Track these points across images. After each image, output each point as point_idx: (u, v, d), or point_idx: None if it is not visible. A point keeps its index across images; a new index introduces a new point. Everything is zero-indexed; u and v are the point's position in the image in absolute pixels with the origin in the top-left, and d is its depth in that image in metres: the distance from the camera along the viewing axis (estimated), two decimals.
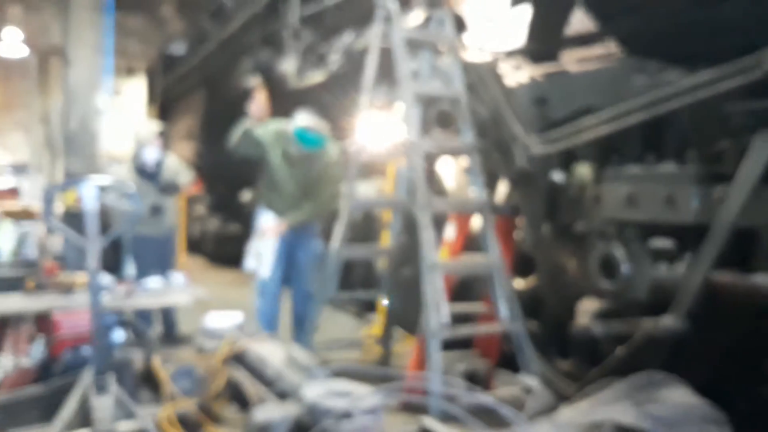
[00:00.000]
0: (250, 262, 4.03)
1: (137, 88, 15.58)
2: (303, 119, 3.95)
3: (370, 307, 4.83)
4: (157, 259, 4.50)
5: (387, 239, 4.11)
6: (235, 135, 3.97)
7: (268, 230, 3.99)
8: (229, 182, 9.20)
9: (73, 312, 3.23)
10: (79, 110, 6.43)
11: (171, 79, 11.70)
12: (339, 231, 3.72)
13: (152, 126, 4.82)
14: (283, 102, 6.83)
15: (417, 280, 3.17)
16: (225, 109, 9.08)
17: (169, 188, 4.70)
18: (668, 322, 2.48)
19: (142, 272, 3.98)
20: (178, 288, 3.99)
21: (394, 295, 3.99)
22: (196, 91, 10.19)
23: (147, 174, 4.61)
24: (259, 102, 3.97)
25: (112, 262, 4.65)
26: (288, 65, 6.25)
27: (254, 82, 4.36)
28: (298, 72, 6.06)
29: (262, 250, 3.97)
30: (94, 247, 2.79)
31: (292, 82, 6.12)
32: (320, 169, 4.02)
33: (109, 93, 8.91)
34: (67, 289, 3.51)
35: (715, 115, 2.56)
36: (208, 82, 9.48)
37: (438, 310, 3.02)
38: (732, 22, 2.90)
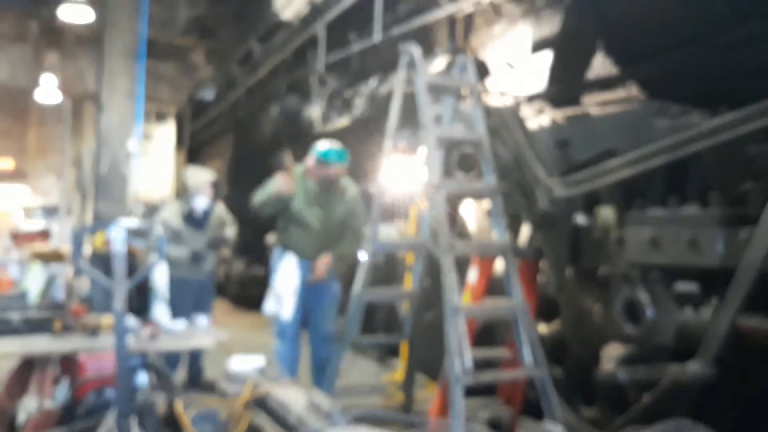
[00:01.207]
0: (270, 305, 4.03)
1: (167, 132, 15.99)
2: (322, 144, 4.05)
3: (392, 351, 4.80)
4: (194, 302, 4.53)
5: (410, 282, 4.10)
6: (261, 200, 4.01)
7: (317, 267, 3.96)
8: (254, 225, 9.29)
9: (98, 354, 3.26)
10: (110, 154, 6.62)
11: (200, 124, 12.00)
12: (361, 273, 3.73)
13: (205, 175, 4.81)
14: (309, 146, 6.94)
15: (440, 324, 3.15)
16: (252, 153, 9.30)
17: (216, 242, 4.74)
18: (695, 368, 2.43)
19: (179, 315, 4.01)
20: (201, 331, 4.01)
21: (416, 340, 3.95)
22: (223, 136, 10.41)
23: (194, 221, 4.63)
24: (289, 178, 3.99)
25: (138, 305, 4.71)
26: (314, 110, 6.37)
27: (286, 158, 4.40)
28: (324, 117, 6.16)
29: (283, 293, 3.97)
30: (121, 289, 2.83)
31: (318, 127, 6.23)
32: (343, 208, 4.06)
33: (139, 137, 9.16)
34: (93, 331, 3.55)
35: (738, 157, 2.54)
36: (236, 127, 9.69)
37: (461, 355, 2.98)
38: (754, 65, 2.92)
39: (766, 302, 2.38)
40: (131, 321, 3.53)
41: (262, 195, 4.02)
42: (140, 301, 4.46)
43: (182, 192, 4.75)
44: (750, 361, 2.49)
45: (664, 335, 2.69)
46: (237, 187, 9.74)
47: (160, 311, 4.01)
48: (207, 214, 4.68)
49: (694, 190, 2.77)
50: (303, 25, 7.45)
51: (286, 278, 3.99)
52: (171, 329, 3.82)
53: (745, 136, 2.44)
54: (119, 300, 2.84)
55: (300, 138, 6.92)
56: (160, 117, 19.21)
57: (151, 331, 3.63)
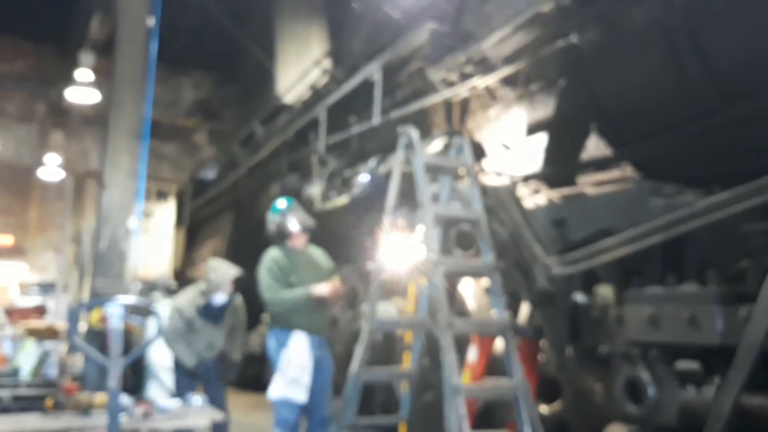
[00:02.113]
0: (279, 389, 3.76)
1: (167, 210, 16.13)
2: (279, 202, 4.17)
3: None
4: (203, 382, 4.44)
5: (408, 361, 4.04)
6: (291, 301, 3.84)
7: (334, 287, 3.80)
8: (252, 304, 9.26)
9: None
10: (110, 231, 6.66)
11: (200, 202, 12.14)
12: (359, 352, 3.68)
13: (229, 270, 4.63)
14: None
15: (439, 404, 3.09)
16: (251, 231, 9.36)
17: (225, 364, 4.64)
18: None
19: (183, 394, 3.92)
20: (195, 410, 3.92)
21: (415, 421, 3.86)
22: (224, 214, 10.52)
23: (209, 314, 4.53)
24: (338, 286, 3.91)
25: (132, 382, 4.62)
26: (314, 189, 6.49)
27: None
28: (324, 195, 6.27)
29: (297, 374, 3.75)
30: (116, 366, 2.80)
31: (318, 205, 6.32)
32: (321, 256, 4.09)
33: (139, 215, 9.25)
34: (86, 409, 3.48)
35: (734, 235, 2.58)
36: (237, 205, 9.81)
37: None
38: (744, 146, 3.01)
39: None
40: (125, 399, 3.46)
41: (293, 297, 3.82)
42: (135, 379, 4.39)
43: (203, 285, 4.65)
44: None
45: (667, 415, 2.65)
46: (237, 262, 9.77)
47: (155, 389, 3.94)
48: (224, 308, 4.58)
49: (692, 268, 2.79)
50: (304, 108, 7.69)
51: (299, 358, 3.79)
52: (165, 408, 3.74)
53: (739, 215, 2.48)
54: (114, 378, 2.80)
55: None
56: (161, 195, 19.43)
57: (144, 409, 3.55)
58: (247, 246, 9.57)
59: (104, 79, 10.38)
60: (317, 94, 7.48)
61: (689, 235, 2.72)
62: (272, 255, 4.05)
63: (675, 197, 2.97)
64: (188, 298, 4.63)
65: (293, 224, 4.03)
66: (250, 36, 12.16)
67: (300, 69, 9.51)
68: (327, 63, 8.18)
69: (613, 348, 2.88)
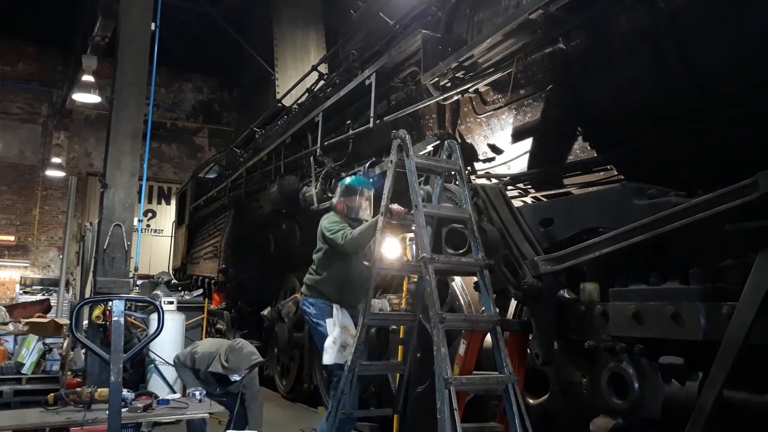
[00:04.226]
0: (331, 355, 4.05)
1: (169, 209, 16.17)
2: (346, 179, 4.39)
3: (385, 425, 4.75)
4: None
5: (402, 355, 4.14)
6: (366, 236, 4.11)
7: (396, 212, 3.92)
8: (251, 299, 9.40)
9: (91, 428, 3.27)
10: (112, 230, 6.75)
11: (201, 201, 12.26)
12: (354, 347, 3.77)
13: (250, 357, 4.75)
14: (306, 221, 7.14)
15: (431, 397, 3.18)
16: (250, 229, 9.49)
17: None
18: None
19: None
20: (196, 403, 4.01)
21: (408, 413, 3.95)
22: (224, 213, 10.64)
23: (221, 381, 4.69)
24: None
25: (134, 376, 4.72)
26: (311, 189, 6.59)
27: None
28: (320, 195, 6.37)
29: (348, 340, 4.00)
30: (118, 361, 2.88)
31: (314, 204, 6.42)
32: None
33: (141, 214, 9.34)
34: (87, 403, 3.57)
35: (716, 235, 2.64)
36: (236, 205, 9.92)
37: (452, 429, 3.00)
38: (724, 149, 3.10)
39: (750, 375, 2.44)
40: (125, 392, 3.55)
41: (367, 227, 4.08)
42: (136, 373, 4.49)
43: (226, 354, 4.75)
44: None
45: (650, 408, 2.71)
46: (234, 260, 9.92)
47: (156, 383, 4.04)
48: (237, 383, 4.74)
49: (675, 266, 2.84)
50: (302, 111, 7.79)
51: (345, 324, 4.09)
52: (166, 401, 3.84)
53: (722, 215, 2.54)
54: (115, 372, 2.89)
55: (297, 214, 7.11)
56: (163, 195, 19.49)
57: (145, 402, 3.65)
58: (246, 242, 9.72)
59: (106, 81, 10.49)
60: (315, 98, 7.58)
61: (672, 235, 2.79)
62: (332, 215, 4.43)
63: (658, 198, 3.03)
64: (207, 359, 4.71)
65: (355, 209, 4.33)
66: (250, 42, 12.28)
67: (298, 73, 9.64)
68: (324, 68, 8.29)
69: (599, 343, 2.96)
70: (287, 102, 9.21)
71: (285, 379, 7.77)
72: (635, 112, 3.49)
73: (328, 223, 4.34)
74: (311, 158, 6.73)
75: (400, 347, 4.27)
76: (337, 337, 4.08)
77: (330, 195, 5.96)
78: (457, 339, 3.85)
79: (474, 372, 3.52)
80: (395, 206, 3.92)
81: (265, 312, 8.27)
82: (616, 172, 3.68)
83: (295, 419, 6.30)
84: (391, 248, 4.59)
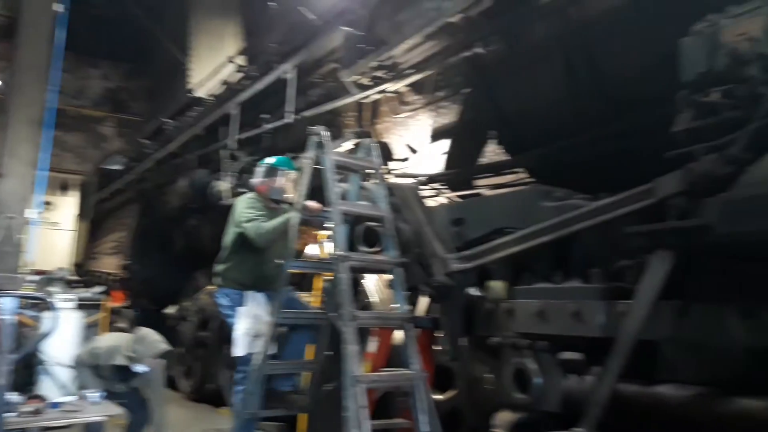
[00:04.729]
0: (242, 347, 3.92)
1: (69, 202, 15.32)
2: (269, 158, 4.27)
3: (292, 424, 4.69)
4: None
5: (311, 353, 4.10)
6: (277, 229, 3.97)
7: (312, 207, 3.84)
8: (154, 297, 9.05)
9: None
10: (5, 222, 6.29)
11: (105, 194, 11.69)
12: (263, 345, 3.70)
13: (156, 346, 4.53)
14: (217, 217, 6.95)
15: (339, 395, 3.16)
16: (158, 224, 9.13)
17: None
18: None
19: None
20: (91, 406, 3.81)
21: (316, 412, 3.92)
22: (129, 207, 10.20)
23: (122, 375, 4.43)
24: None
25: (25, 378, 4.41)
26: (223, 184, 6.43)
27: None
28: (233, 190, 6.23)
29: (260, 330, 3.85)
30: (5, 362, 2.70)
31: (227, 200, 6.27)
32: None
33: (39, 207, 8.78)
34: None
35: (615, 237, 2.77)
36: (143, 199, 9.54)
37: (359, 426, 3.00)
38: (625, 156, 3.27)
39: (642, 369, 2.57)
40: (13, 396, 3.31)
41: (278, 223, 3.94)
42: (27, 374, 4.19)
43: (131, 344, 4.52)
44: (628, 426, 2.65)
45: (551, 402, 2.82)
46: (139, 257, 9.52)
47: (48, 385, 3.80)
48: (140, 373, 4.49)
49: (577, 266, 2.97)
50: (217, 103, 7.59)
51: (257, 314, 3.96)
52: (58, 404, 3.62)
53: (621, 218, 2.67)
54: (2, 374, 2.70)
55: (208, 209, 6.91)
56: (64, 186, 18.45)
57: (35, 406, 3.42)
58: (153, 238, 9.34)
59: (6, 64, 9.80)
60: (230, 90, 7.41)
61: (576, 236, 2.91)
62: (249, 197, 4.21)
63: (564, 201, 3.16)
64: (112, 348, 4.44)
65: (277, 190, 4.15)
66: (163, 28, 11.85)
67: (213, 64, 9.39)
68: (241, 60, 8.12)
69: (504, 339, 3.04)
70: (201, 93, 8.95)
71: (189, 379, 7.53)
72: (546, 118, 3.63)
73: (244, 207, 4.13)
74: (225, 152, 6.56)
75: (310, 346, 4.22)
76: (248, 328, 3.97)
77: (243, 190, 5.83)
78: (367, 337, 3.85)
79: (384, 369, 3.53)
80: (311, 202, 3.87)
81: (170, 310, 7.99)
82: (526, 175, 3.82)
83: (198, 420, 6.12)
84: (305, 245, 4.54)
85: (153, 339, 4.54)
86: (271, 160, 4.28)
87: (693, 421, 2.43)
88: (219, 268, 4.22)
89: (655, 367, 2.62)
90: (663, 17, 2.93)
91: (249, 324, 3.97)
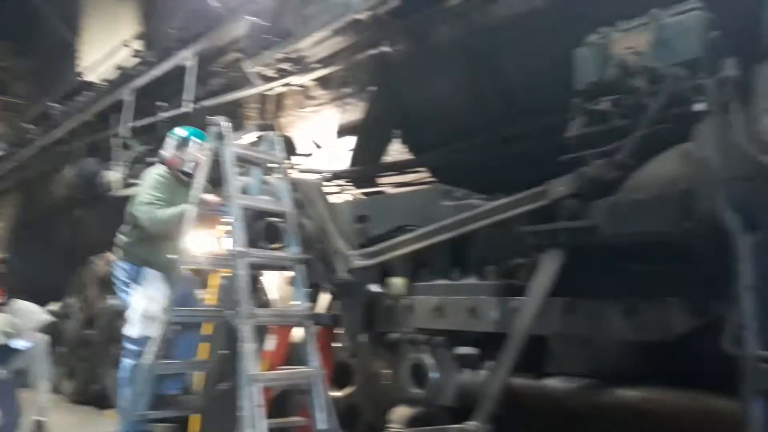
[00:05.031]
0: (135, 327, 3.74)
1: None
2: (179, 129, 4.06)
3: (183, 425, 4.52)
4: None
5: (205, 352, 3.97)
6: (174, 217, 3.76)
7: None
8: (34, 292, 8.43)
9: None
10: None
11: None
12: (154, 344, 3.54)
13: (38, 317, 4.27)
14: (106, 209, 6.58)
15: (234, 394, 3.08)
16: (40, 215, 8.52)
17: None
18: (472, 426, 2.61)
19: None
20: None
21: (209, 412, 3.80)
22: (8, 196, 9.47)
23: (4, 359, 4.09)
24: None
25: None
26: (114, 174, 6.10)
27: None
28: (125, 181, 5.92)
29: (156, 312, 3.63)
30: None
31: (118, 191, 5.96)
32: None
33: None
34: None
35: (509, 236, 2.87)
36: (24, 188, 8.89)
37: (254, 426, 2.93)
38: (524, 157, 3.40)
39: (532, 363, 2.68)
40: None
41: (173, 213, 3.74)
42: None
43: (6, 329, 4.12)
44: (519, 418, 2.75)
45: (446, 396, 2.88)
46: (19, 250, 8.84)
47: None
48: (17, 351, 4.16)
49: (474, 263, 3.05)
50: (110, 89, 7.20)
51: (153, 294, 3.79)
52: None
53: (516, 218, 2.77)
54: None
55: (97, 199, 6.55)
56: None
57: None
58: (33, 232, 8.71)
59: None
60: (125, 75, 7.04)
61: (473, 234, 2.99)
62: (159, 172, 3.97)
63: (463, 200, 3.24)
64: None
65: (189, 161, 3.91)
66: (50, 5, 11.08)
67: (107, 47, 8.89)
68: (138, 44, 7.74)
69: (402, 335, 3.08)
70: (92, 77, 8.45)
71: (72, 380, 7.09)
72: (448, 119, 3.71)
73: (149, 185, 3.96)
74: (116, 140, 6.23)
75: (202, 344, 4.09)
76: (143, 307, 3.79)
77: (136, 181, 5.55)
78: (265, 335, 3.78)
79: (281, 367, 3.48)
80: (209, 196, 3.74)
81: (52, 308, 7.47)
82: (428, 174, 3.89)
83: (83, 424, 5.78)
84: (203, 240, 4.38)
85: (32, 310, 4.23)
86: (182, 131, 4.09)
87: (577, 411, 2.57)
88: (121, 239, 4.04)
89: (544, 360, 2.74)
90: (560, 27, 3.07)
91: (145, 303, 3.80)
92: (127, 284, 3.93)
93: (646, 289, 2.31)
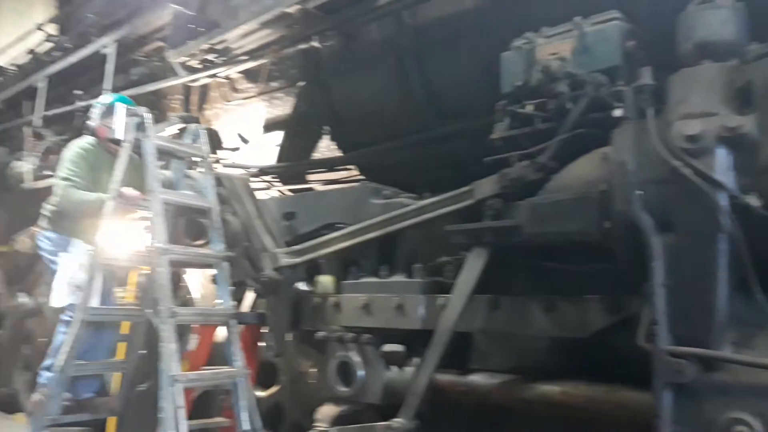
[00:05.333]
0: (62, 296, 3.58)
1: None
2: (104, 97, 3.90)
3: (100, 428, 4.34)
4: None
5: (123, 353, 3.82)
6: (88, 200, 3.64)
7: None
8: None
9: None
10: None
11: None
12: (68, 343, 3.38)
13: None
14: (17, 201, 6.21)
15: (154, 395, 2.98)
16: None
17: None
18: (398, 423, 2.63)
19: None
20: None
21: (127, 414, 3.66)
22: None
23: None
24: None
25: None
26: (24, 165, 5.77)
27: None
28: (36, 172, 5.61)
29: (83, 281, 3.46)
30: None
31: (28, 182, 5.63)
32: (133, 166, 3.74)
33: None
34: None
35: (436, 235, 2.90)
36: None
37: (176, 428, 2.85)
38: (451, 158, 3.45)
39: (457, 360, 2.72)
40: None
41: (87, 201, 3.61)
42: None
43: None
44: (445, 414, 2.80)
45: (372, 394, 2.89)
46: None
47: None
48: None
49: (402, 261, 3.07)
50: (20, 74, 6.81)
51: (83, 262, 3.62)
52: None
53: (443, 217, 2.81)
54: None
55: (7, 191, 6.17)
56: None
57: None
58: None
59: None
60: (38, 61, 6.67)
61: (401, 233, 3.01)
62: (81, 144, 3.78)
63: (392, 199, 3.25)
64: None
65: (119, 131, 3.66)
66: None
67: (18, 30, 8.38)
68: (52, 28, 7.34)
69: (329, 333, 3.07)
70: (1, 62, 7.96)
71: None
72: (378, 118, 3.71)
73: (70, 157, 3.80)
74: (28, 129, 5.89)
75: (120, 344, 3.94)
76: (71, 276, 3.61)
77: (49, 173, 5.27)
78: (187, 334, 3.68)
79: (204, 367, 3.39)
80: (129, 190, 3.59)
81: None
82: (357, 172, 3.88)
83: None
84: (121, 236, 4.21)
85: None
86: (107, 98, 3.91)
87: (500, 406, 2.63)
88: (47, 209, 3.88)
89: (469, 357, 2.80)
90: (488, 31, 3.14)
91: (72, 270, 3.62)
92: (55, 253, 3.77)
93: (567, 287, 2.40)
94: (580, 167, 2.38)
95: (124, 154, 3.52)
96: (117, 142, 3.77)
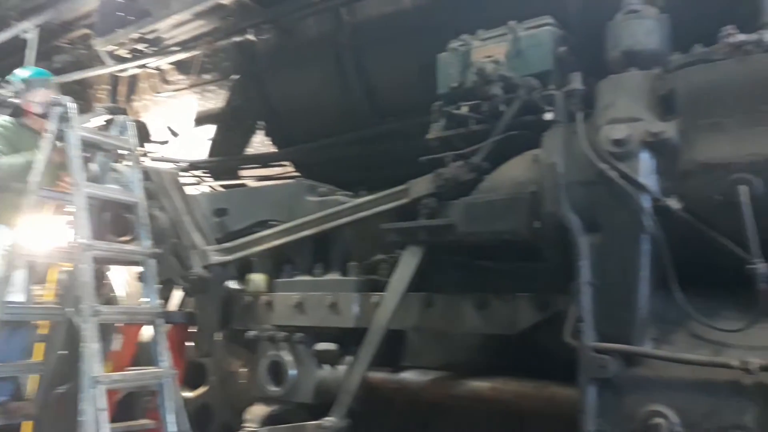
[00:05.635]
0: None
1: None
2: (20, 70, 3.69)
3: None
4: None
5: (41, 353, 3.63)
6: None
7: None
8: None
9: None
10: None
11: None
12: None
13: None
14: None
15: (74, 398, 2.85)
16: None
17: None
18: (329, 422, 2.61)
19: None
20: None
21: (44, 418, 3.48)
22: None
23: None
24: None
25: None
26: None
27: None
28: None
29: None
30: None
31: None
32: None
33: None
34: None
35: (372, 233, 2.89)
36: None
37: (98, 431, 2.73)
38: (388, 156, 3.46)
39: (389, 357, 2.73)
40: None
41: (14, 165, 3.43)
42: None
43: None
44: (377, 411, 2.80)
45: (304, 393, 2.87)
46: None
47: None
48: None
49: (337, 259, 3.06)
50: None
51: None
52: None
53: (378, 215, 2.81)
54: None
55: None
56: None
57: None
58: None
59: None
60: None
61: (336, 231, 2.99)
62: (4, 125, 3.60)
63: (327, 196, 3.23)
64: None
65: (44, 103, 3.46)
66: None
67: None
68: None
69: (261, 332, 3.02)
70: None
71: None
72: (314, 115, 3.68)
73: None
74: None
75: (38, 345, 3.74)
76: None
77: None
78: (111, 334, 3.53)
79: (129, 368, 3.27)
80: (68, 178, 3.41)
81: None
82: (292, 169, 3.83)
83: None
84: (41, 231, 4.00)
85: None
86: (23, 71, 3.67)
87: (431, 402, 2.66)
88: None
89: (402, 354, 2.81)
90: (425, 31, 3.16)
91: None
92: None
93: (498, 285, 2.45)
94: (512, 168, 2.43)
95: (47, 145, 3.34)
96: (41, 116, 3.61)
